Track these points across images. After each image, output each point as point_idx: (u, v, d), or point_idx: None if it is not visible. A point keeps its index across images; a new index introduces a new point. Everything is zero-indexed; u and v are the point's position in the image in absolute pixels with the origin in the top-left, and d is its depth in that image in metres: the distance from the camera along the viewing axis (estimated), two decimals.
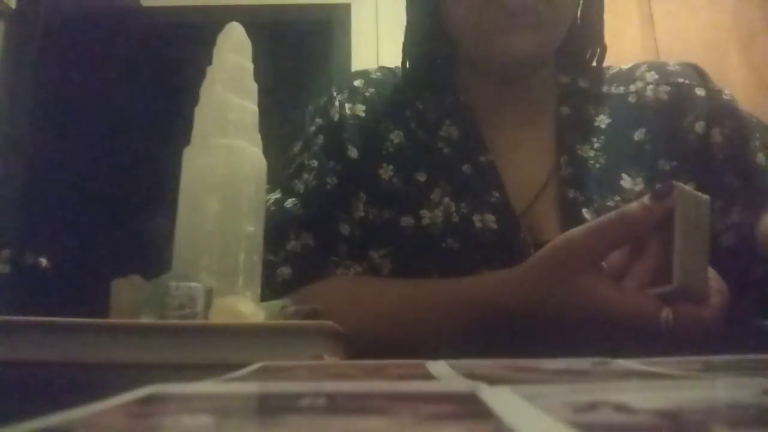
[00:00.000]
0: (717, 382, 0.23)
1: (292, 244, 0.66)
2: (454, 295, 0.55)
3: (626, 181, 0.64)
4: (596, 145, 0.67)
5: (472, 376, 0.23)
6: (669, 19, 2.30)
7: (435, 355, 0.29)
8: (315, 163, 0.70)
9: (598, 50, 0.71)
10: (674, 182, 0.45)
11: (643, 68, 0.73)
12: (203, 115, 0.50)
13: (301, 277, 0.65)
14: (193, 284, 0.40)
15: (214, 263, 0.45)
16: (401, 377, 0.26)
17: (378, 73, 0.76)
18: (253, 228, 0.48)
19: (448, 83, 0.72)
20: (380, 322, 0.57)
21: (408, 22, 0.73)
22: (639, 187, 0.64)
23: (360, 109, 0.71)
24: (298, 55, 3.22)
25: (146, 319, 0.39)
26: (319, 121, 0.73)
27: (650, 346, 0.43)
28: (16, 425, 0.14)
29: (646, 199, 0.45)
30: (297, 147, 0.74)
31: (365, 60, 2.55)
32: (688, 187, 0.46)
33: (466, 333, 0.53)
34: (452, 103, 0.71)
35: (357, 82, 0.74)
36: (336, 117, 0.71)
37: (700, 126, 0.67)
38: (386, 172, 0.68)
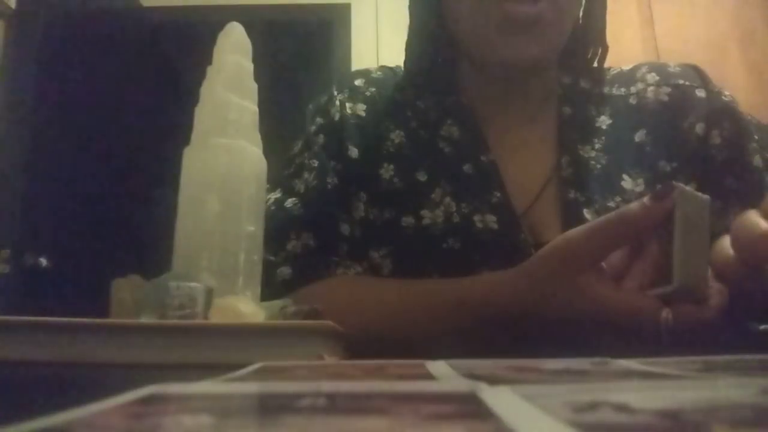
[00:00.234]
0: (717, 382, 0.22)
1: (292, 244, 0.66)
2: (454, 296, 0.55)
3: (627, 182, 0.64)
4: (597, 146, 0.67)
5: (472, 376, 0.23)
6: (669, 19, 2.30)
7: (435, 355, 0.29)
8: (315, 163, 0.70)
9: (600, 50, 0.71)
10: (674, 183, 0.45)
11: (644, 69, 0.73)
12: (203, 115, 0.50)
13: (301, 277, 0.64)
14: (193, 284, 0.40)
15: (214, 263, 0.45)
16: (401, 377, 0.26)
17: (379, 73, 0.76)
18: (253, 228, 0.48)
19: (449, 83, 0.72)
20: (380, 322, 0.57)
21: (410, 21, 0.73)
22: (640, 188, 0.64)
23: (361, 109, 0.71)
24: (298, 55, 3.23)
25: (146, 319, 0.39)
26: (319, 120, 0.73)
27: (650, 346, 0.43)
28: (16, 425, 0.14)
29: (646, 199, 0.45)
30: (297, 146, 0.74)
31: (365, 60, 2.55)
32: (689, 188, 0.46)
33: (466, 333, 0.53)
34: (453, 102, 0.71)
35: (358, 82, 0.74)
36: (336, 116, 0.71)
37: (700, 127, 0.67)
38: (387, 171, 0.68)
